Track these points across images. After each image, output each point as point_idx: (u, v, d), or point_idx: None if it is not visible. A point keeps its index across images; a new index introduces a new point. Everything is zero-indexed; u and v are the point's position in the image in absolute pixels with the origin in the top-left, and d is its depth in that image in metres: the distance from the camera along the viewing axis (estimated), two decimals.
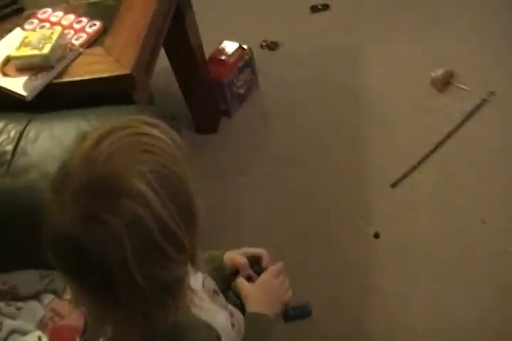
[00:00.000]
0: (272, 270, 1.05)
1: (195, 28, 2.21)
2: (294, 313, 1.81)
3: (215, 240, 2.01)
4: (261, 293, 1.01)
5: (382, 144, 2.29)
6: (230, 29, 2.74)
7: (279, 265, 1.06)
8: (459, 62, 2.49)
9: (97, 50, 1.55)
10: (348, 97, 2.51)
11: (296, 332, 1.77)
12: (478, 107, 2.34)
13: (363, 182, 2.19)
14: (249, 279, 1.02)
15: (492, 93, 2.36)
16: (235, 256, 1.04)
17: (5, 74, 1.52)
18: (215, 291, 0.93)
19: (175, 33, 2.00)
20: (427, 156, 2.20)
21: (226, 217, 2.13)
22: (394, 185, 2.14)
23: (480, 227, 1.96)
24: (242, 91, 2.53)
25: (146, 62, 1.60)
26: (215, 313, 0.87)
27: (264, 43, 2.81)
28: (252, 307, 1.00)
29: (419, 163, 2.18)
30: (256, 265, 1.04)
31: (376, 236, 1.98)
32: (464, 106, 2.35)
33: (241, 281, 1.02)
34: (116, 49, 1.53)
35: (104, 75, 1.48)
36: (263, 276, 1.04)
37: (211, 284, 0.94)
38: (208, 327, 0.81)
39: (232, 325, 0.91)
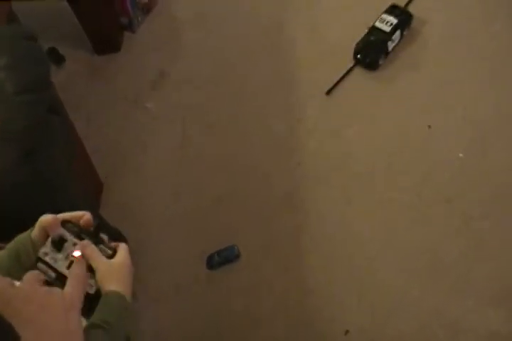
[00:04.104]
0: (125, 248, 0.78)
1: None
2: (219, 259, 1.58)
3: (115, 172, 1.77)
4: (117, 271, 0.75)
5: (313, 48, 1.97)
6: None
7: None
8: None
9: None
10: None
11: (222, 278, 1.55)
12: None
13: (297, 92, 1.88)
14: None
15: None
16: (41, 218, 0.75)
17: None
18: None
19: None
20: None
21: (131, 147, 1.85)
22: (328, 92, 1.84)
23: (426, 133, 1.70)
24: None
25: None
26: None
27: None
28: (107, 284, 0.74)
29: (355, 64, 1.87)
30: (74, 226, 0.75)
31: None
32: None
33: (95, 251, 0.74)
34: None
35: None
36: (120, 254, 0.77)
37: None
38: None
39: None
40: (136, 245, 1.62)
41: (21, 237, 0.77)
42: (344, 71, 1.85)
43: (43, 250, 0.70)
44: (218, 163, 1.76)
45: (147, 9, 2.18)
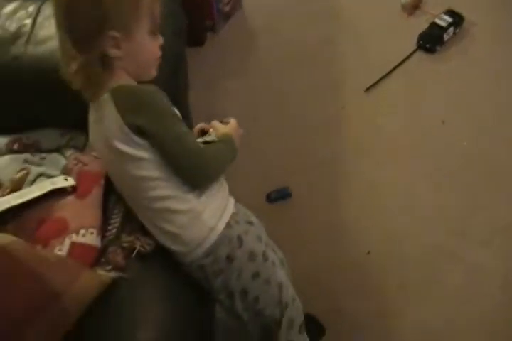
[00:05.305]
0: (234, 121, 1.39)
1: None
2: (276, 195, 2.07)
3: None
4: (232, 131, 1.35)
5: (357, 56, 2.52)
6: None
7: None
8: None
9: None
10: (327, 17, 2.71)
11: (278, 211, 2.04)
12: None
13: (341, 87, 2.41)
14: None
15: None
16: (199, 126, 1.42)
17: None
18: None
19: None
20: (397, 66, 2.43)
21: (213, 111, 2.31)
22: (367, 89, 2.36)
23: (440, 126, 2.22)
24: (227, 8, 2.70)
25: None
26: None
27: None
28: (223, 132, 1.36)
29: (390, 71, 2.41)
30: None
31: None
32: None
33: (216, 122, 1.38)
34: None
35: None
36: (231, 123, 1.38)
37: None
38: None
39: None
40: None
41: None
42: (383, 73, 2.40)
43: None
44: (279, 129, 2.28)
45: (227, 16, 2.73)
